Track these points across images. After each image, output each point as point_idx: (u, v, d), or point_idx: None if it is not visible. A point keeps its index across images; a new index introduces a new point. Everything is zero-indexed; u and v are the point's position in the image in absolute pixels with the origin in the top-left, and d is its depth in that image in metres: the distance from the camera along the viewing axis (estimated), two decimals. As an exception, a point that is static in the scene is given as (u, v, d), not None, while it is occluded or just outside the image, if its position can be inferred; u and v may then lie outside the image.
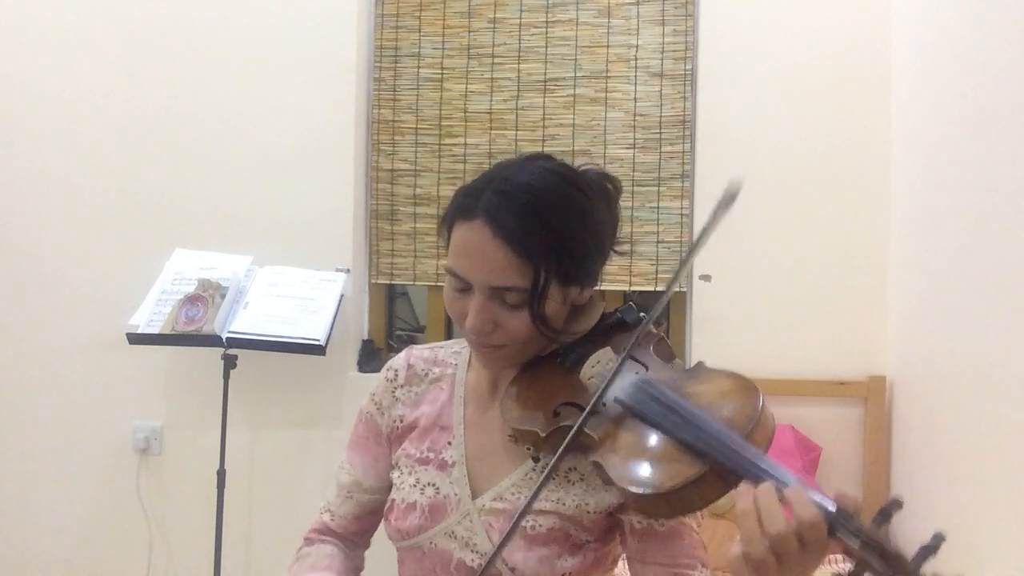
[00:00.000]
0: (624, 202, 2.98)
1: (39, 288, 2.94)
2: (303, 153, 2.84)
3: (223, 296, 2.58)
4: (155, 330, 2.55)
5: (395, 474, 1.19)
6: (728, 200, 0.96)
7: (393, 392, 1.22)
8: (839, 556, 0.81)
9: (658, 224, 2.75)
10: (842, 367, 2.58)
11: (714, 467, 0.86)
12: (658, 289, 2.74)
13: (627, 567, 1.11)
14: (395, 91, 2.90)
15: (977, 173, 1.91)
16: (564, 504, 1.07)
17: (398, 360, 1.24)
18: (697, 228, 2.70)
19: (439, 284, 2.90)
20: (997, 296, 1.77)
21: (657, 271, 2.74)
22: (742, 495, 0.82)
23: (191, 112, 2.89)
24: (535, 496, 0.97)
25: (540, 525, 1.06)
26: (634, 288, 2.73)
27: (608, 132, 2.78)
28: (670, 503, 0.88)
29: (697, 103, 2.72)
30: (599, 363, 1.06)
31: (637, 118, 2.77)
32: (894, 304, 2.56)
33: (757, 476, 0.83)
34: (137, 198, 2.90)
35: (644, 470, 0.90)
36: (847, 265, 2.61)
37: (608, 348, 1.07)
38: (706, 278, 2.67)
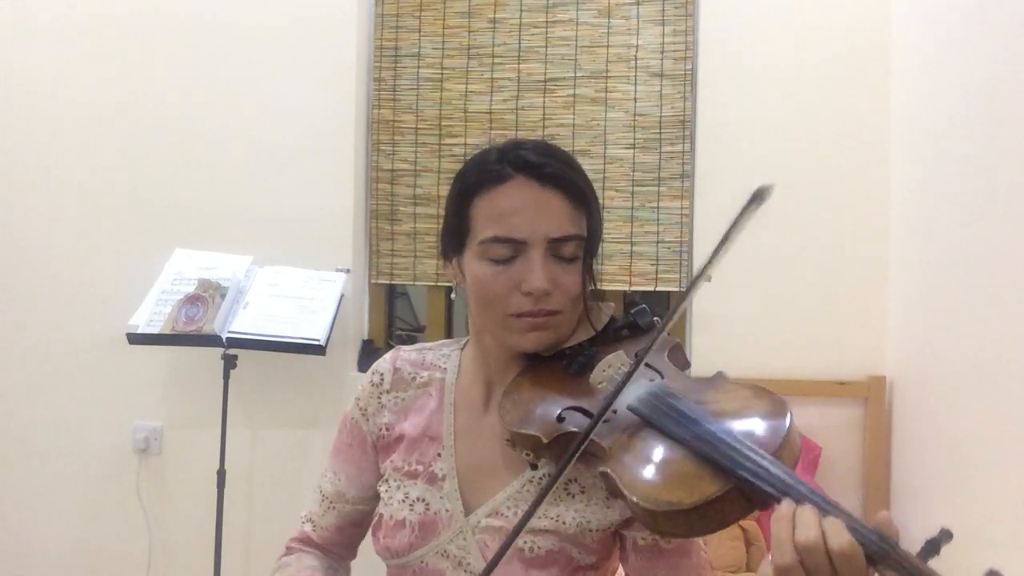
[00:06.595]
0: (624, 202, 3.01)
1: (39, 288, 2.94)
2: (303, 153, 2.84)
3: (223, 296, 2.58)
4: (155, 330, 2.54)
5: (383, 488, 1.11)
6: (757, 200, 0.91)
7: (379, 398, 1.15)
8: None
9: (658, 224, 2.75)
10: (842, 367, 2.58)
11: (739, 485, 0.78)
12: (658, 289, 2.74)
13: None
14: (395, 91, 2.90)
15: (977, 173, 1.91)
16: (564, 522, 0.99)
17: (383, 363, 1.17)
18: (697, 228, 2.70)
19: (439, 284, 2.90)
20: (997, 295, 1.77)
21: (657, 271, 2.74)
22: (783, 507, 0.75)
23: (191, 112, 2.89)
24: (529, 514, 0.88)
25: (539, 547, 0.99)
26: (634, 288, 2.73)
27: (608, 132, 2.78)
28: (688, 521, 0.79)
29: (697, 103, 2.72)
30: (611, 367, 0.99)
31: (637, 118, 2.77)
32: (894, 304, 2.56)
33: (791, 496, 0.76)
34: (137, 198, 2.90)
35: (661, 484, 0.82)
36: (847, 265, 2.61)
37: (621, 352, 1.01)
38: (706, 278, 2.66)
